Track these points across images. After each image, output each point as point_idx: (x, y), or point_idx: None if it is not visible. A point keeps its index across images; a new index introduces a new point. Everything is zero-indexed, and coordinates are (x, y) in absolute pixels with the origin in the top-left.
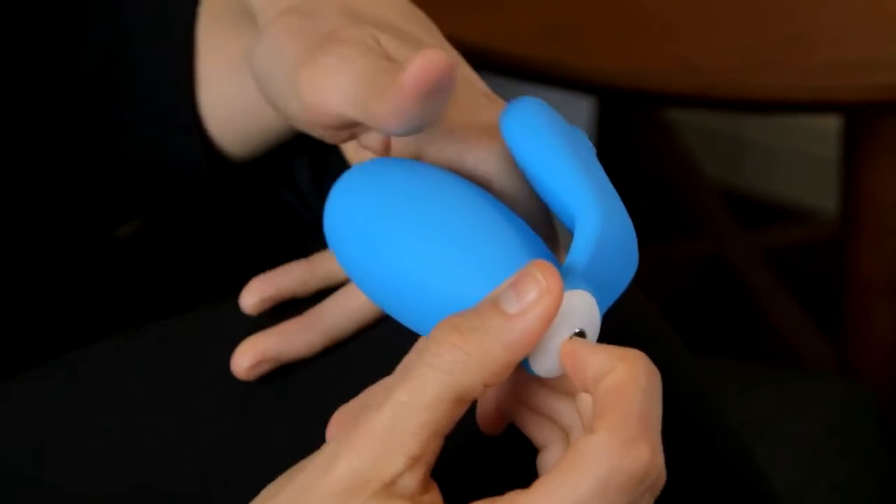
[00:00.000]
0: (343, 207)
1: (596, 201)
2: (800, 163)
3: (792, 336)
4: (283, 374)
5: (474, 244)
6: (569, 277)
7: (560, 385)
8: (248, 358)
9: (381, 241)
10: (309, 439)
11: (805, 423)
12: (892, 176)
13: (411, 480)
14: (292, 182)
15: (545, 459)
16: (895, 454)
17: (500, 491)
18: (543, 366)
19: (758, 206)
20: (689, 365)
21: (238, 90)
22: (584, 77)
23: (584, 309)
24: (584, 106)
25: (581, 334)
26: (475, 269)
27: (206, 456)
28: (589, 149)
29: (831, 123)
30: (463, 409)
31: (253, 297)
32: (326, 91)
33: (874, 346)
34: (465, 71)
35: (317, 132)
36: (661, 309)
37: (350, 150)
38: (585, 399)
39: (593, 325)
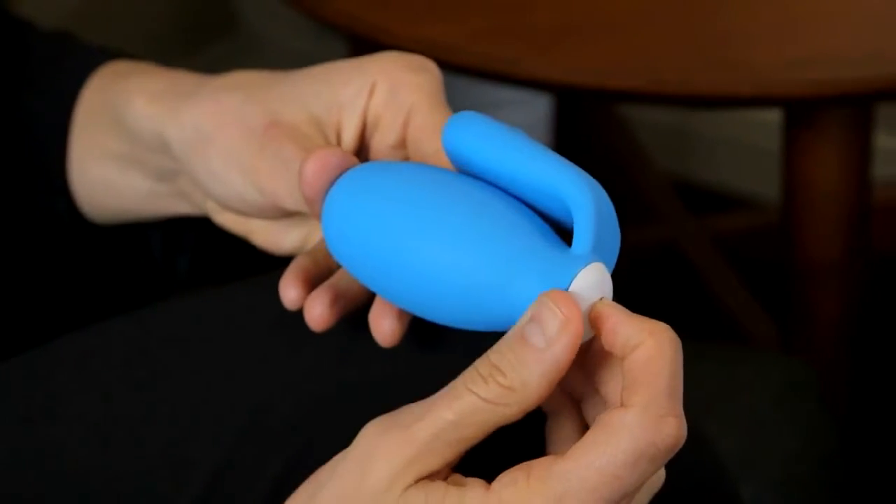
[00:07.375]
0: (341, 211)
1: (584, 181)
2: (744, 154)
3: (739, 317)
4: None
5: (476, 231)
6: (581, 256)
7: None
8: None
9: (385, 240)
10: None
11: (751, 398)
12: (829, 166)
13: (440, 475)
14: (148, 248)
15: (554, 426)
16: (836, 428)
17: (505, 458)
18: None
19: (705, 195)
20: None
21: (103, 177)
22: (541, 76)
23: (600, 279)
24: (542, 103)
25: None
26: (477, 254)
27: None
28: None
29: (772, 116)
30: None
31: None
32: (277, 194)
33: (815, 325)
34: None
35: (266, 217)
36: (617, 292)
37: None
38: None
39: (608, 289)
